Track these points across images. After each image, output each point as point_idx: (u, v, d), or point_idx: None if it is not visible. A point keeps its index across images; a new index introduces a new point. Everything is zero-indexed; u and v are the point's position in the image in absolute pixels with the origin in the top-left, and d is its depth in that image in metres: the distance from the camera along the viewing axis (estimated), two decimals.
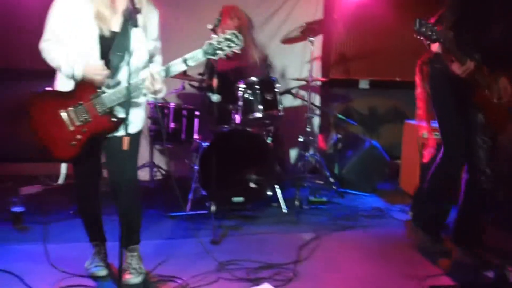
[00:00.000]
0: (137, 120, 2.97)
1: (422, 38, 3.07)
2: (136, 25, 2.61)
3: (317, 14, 5.90)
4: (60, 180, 3.01)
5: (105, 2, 2.77)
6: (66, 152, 2.80)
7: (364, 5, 6.01)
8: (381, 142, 5.67)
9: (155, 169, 5.40)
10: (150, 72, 2.77)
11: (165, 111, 4.91)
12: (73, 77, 2.76)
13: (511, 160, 4.27)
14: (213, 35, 2.83)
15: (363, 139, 5.61)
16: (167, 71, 2.81)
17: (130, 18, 2.61)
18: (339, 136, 5.85)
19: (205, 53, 2.80)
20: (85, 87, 2.77)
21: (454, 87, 3.39)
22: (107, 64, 2.78)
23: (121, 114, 2.84)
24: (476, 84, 3.33)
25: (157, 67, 2.87)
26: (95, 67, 2.73)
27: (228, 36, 2.80)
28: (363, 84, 6.44)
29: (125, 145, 2.62)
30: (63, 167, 2.99)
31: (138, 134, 3.03)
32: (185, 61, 2.80)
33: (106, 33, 2.79)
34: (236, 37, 2.81)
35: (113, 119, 2.82)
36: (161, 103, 4.96)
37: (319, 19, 5.77)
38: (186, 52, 2.83)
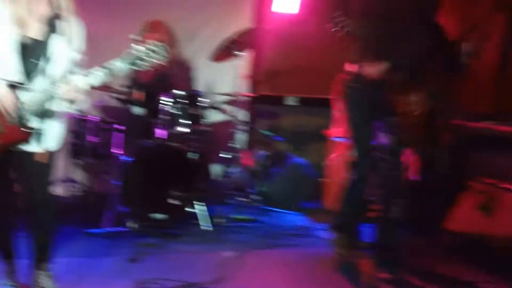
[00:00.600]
0: (53, 134, 2.88)
1: (337, 29, 3.27)
2: (55, 31, 2.58)
3: (245, 27, 6.00)
4: None
5: (23, 6, 2.69)
6: None
7: (294, 21, 6.17)
8: (308, 160, 5.81)
9: (73, 185, 5.29)
10: (68, 81, 2.72)
11: (86, 124, 4.81)
12: None
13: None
14: (137, 45, 2.78)
15: (289, 156, 5.73)
16: (85, 80, 2.75)
17: (51, 25, 2.58)
18: (265, 153, 5.92)
19: (127, 63, 2.74)
20: None
21: (370, 105, 3.56)
22: (25, 72, 2.71)
23: (34, 124, 2.75)
24: (391, 89, 3.48)
25: (76, 77, 2.82)
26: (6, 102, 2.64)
27: (153, 47, 2.75)
28: (291, 101, 6.57)
29: (38, 156, 2.57)
30: None
31: (53, 150, 2.93)
32: (104, 70, 2.75)
33: (26, 40, 2.72)
34: (161, 48, 2.77)
35: (24, 129, 2.73)
36: (82, 116, 4.86)
37: (248, 32, 5.87)
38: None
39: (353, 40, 3.44)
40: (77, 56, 2.93)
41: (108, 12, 5.51)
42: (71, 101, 2.75)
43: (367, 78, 3.48)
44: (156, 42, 2.77)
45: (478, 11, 5.22)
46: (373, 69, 3.41)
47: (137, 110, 4.38)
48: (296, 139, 6.54)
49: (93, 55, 3.30)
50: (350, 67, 3.65)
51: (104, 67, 2.75)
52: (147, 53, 2.74)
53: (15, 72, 2.71)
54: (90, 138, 4.80)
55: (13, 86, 2.68)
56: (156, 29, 5.11)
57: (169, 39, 5.27)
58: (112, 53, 2.94)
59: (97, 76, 2.76)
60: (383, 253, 3.75)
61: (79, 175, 5.44)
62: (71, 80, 2.73)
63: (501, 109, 5.05)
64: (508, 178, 3.87)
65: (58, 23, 2.58)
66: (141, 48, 2.75)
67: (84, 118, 4.85)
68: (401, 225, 3.85)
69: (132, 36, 2.98)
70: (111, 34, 5.27)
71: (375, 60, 3.39)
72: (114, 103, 5.10)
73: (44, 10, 2.69)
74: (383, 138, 3.59)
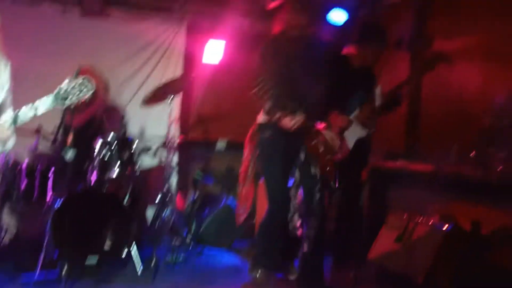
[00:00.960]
0: None
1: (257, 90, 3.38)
2: None
3: (176, 74, 6.11)
4: None
5: None
6: None
7: (219, 69, 6.34)
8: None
9: (3, 230, 5.07)
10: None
11: (17, 168, 4.68)
12: None
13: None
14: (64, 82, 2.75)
15: (219, 197, 5.76)
16: (15, 118, 2.68)
17: None
18: (196, 194, 5.90)
19: (56, 98, 2.70)
20: None
21: (281, 150, 3.67)
22: None
23: None
24: (307, 136, 3.61)
25: (6, 115, 2.76)
26: None
27: (80, 81, 2.74)
28: (221, 144, 6.65)
29: None
30: None
31: None
32: (35, 107, 2.69)
33: None
34: (88, 81, 2.75)
35: None
36: (13, 160, 4.74)
37: (177, 78, 5.96)
38: None
39: (266, 97, 3.55)
40: (8, 99, 2.88)
41: (41, 53, 5.48)
42: (3, 141, 2.70)
43: (280, 128, 3.58)
44: (85, 76, 2.77)
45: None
46: (291, 123, 3.50)
47: (68, 154, 4.30)
48: (227, 181, 6.61)
49: (24, 93, 3.25)
50: (261, 118, 3.77)
51: (34, 105, 2.70)
52: (77, 88, 2.73)
53: None
54: (22, 182, 4.68)
55: None
56: (87, 74, 5.09)
57: (101, 85, 5.26)
58: (44, 92, 2.88)
59: (27, 113, 2.69)
60: (306, 282, 3.82)
61: (9, 221, 5.22)
62: (2, 118, 2.68)
63: (409, 148, 5.35)
64: (419, 211, 4.06)
65: None
66: (71, 83, 2.72)
67: (16, 162, 4.72)
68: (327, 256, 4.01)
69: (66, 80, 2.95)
70: (43, 75, 5.22)
71: (286, 112, 3.49)
72: (44, 147, 5.01)
73: None
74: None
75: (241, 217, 3.97)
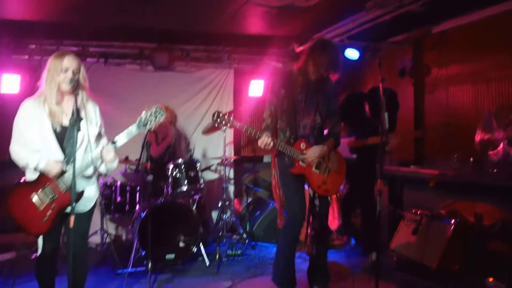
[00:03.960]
0: (90, 196, 2.86)
1: (220, 126, 3.19)
2: (79, 129, 2.55)
3: (228, 108, 6.07)
4: (39, 251, 2.82)
5: (53, 102, 2.71)
6: (40, 228, 2.70)
7: (261, 101, 6.26)
8: None
9: (105, 235, 5.12)
10: (104, 146, 2.72)
11: (113, 188, 4.76)
12: (37, 169, 2.69)
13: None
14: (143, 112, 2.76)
15: (268, 201, 5.64)
16: (115, 142, 2.73)
17: (75, 124, 2.55)
18: (249, 200, 5.83)
19: (139, 126, 2.73)
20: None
21: (290, 174, 3.41)
22: (64, 151, 2.72)
23: (80, 187, 2.76)
24: (293, 158, 3.36)
25: (104, 140, 2.86)
26: (53, 164, 2.67)
27: (154, 110, 2.76)
28: (267, 159, 6.55)
29: (72, 223, 2.47)
30: (40, 239, 2.80)
31: (91, 209, 2.90)
32: (126, 133, 2.74)
33: (58, 128, 2.74)
34: (160, 109, 2.76)
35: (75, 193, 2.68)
36: (110, 182, 4.81)
37: (229, 111, 5.93)
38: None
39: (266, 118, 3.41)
40: (102, 131, 2.92)
41: (124, 100, 5.55)
42: (110, 160, 2.72)
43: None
44: (157, 105, 2.77)
45: None
46: (259, 143, 3.23)
47: (149, 177, 4.30)
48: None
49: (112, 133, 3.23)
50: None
51: (125, 132, 2.74)
52: (153, 116, 2.74)
53: (57, 152, 2.72)
54: (117, 198, 4.74)
55: (58, 161, 2.70)
56: (166, 109, 5.14)
57: (173, 119, 5.28)
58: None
59: (121, 138, 2.73)
60: (317, 270, 3.58)
61: (110, 226, 5.28)
62: (106, 144, 2.74)
63: (419, 156, 5.11)
64: (430, 208, 3.82)
65: (82, 110, 2.61)
66: (148, 112, 2.75)
67: (112, 183, 4.81)
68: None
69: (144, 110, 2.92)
70: (126, 117, 5.22)
71: (257, 135, 3.24)
72: (132, 171, 5.05)
73: (70, 102, 2.73)
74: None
75: (280, 223, 3.78)
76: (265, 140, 3.19)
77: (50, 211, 2.68)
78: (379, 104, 3.08)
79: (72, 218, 2.47)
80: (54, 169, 2.68)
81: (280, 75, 3.64)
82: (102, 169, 2.87)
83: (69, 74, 2.70)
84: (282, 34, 5.41)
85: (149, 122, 2.73)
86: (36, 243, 2.81)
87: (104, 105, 5.28)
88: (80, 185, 2.76)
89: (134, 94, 5.62)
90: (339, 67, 3.36)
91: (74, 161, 2.50)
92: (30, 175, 2.76)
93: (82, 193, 2.75)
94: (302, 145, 3.36)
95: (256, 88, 6.14)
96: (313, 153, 3.35)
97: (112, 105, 5.48)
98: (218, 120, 3.17)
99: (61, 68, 2.70)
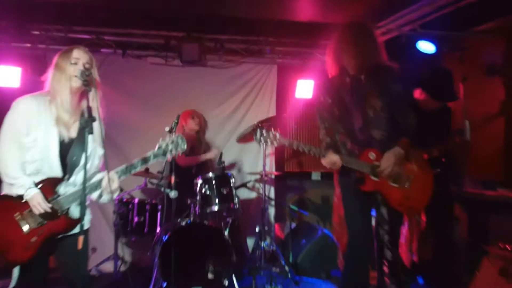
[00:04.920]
0: (87, 217, 2.91)
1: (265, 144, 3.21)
2: (91, 132, 2.60)
3: (270, 113, 6.08)
4: (12, 284, 2.79)
5: (66, 107, 2.74)
6: (20, 256, 2.64)
7: (310, 105, 6.22)
8: None
9: (119, 261, 5.23)
10: (107, 174, 2.72)
11: (130, 206, 4.85)
12: (16, 193, 2.66)
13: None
14: (163, 140, 2.88)
15: (316, 227, 5.57)
16: (122, 171, 2.80)
17: (87, 125, 2.59)
18: (293, 225, 5.78)
19: (156, 155, 2.84)
20: (43, 189, 2.68)
21: (356, 192, 3.39)
22: (65, 167, 2.75)
23: (76, 214, 2.76)
24: (360, 174, 3.32)
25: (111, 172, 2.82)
26: (38, 201, 2.65)
27: (174, 139, 2.86)
28: (316, 176, 6.50)
29: (80, 244, 2.53)
30: (16, 270, 2.79)
31: (87, 231, 2.93)
32: (139, 162, 2.81)
33: (66, 139, 2.77)
34: (182, 139, 2.87)
35: (69, 220, 2.75)
36: (126, 198, 4.91)
37: (271, 116, 5.92)
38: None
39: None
40: (102, 151, 2.93)
41: (147, 100, 5.69)
42: (112, 191, 2.76)
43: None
44: (179, 135, 2.90)
45: None
46: (324, 162, 3.27)
47: (172, 193, 4.36)
48: (322, 211, 6.43)
49: (133, 145, 3.32)
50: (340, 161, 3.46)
51: (137, 160, 2.82)
52: (172, 145, 2.86)
53: (56, 167, 2.75)
54: (134, 218, 4.83)
55: (54, 181, 2.73)
56: (193, 115, 5.35)
57: (204, 125, 5.35)
58: (151, 143, 2.99)
59: (136, 166, 2.82)
60: None
61: (125, 252, 5.40)
62: (110, 172, 2.76)
63: (509, 176, 4.90)
64: None
65: (92, 124, 2.60)
66: (167, 141, 2.87)
67: (129, 200, 4.90)
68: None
69: (167, 128, 3.03)
70: (153, 127, 5.35)
71: (320, 153, 3.27)
72: (152, 186, 5.13)
73: (80, 111, 2.80)
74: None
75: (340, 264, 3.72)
76: (333, 159, 3.22)
77: (35, 238, 2.66)
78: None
79: (80, 239, 2.52)
80: (36, 208, 2.65)
81: (320, 81, 3.64)
82: (94, 196, 2.87)
83: (80, 66, 2.74)
84: (338, 22, 5.35)
85: (168, 153, 2.85)
86: (6, 274, 2.75)
87: (121, 106, 5.53)
88: (75, 212, 2.77)
89: (156, 93, 5.76)
90: (378, 49, 3.34)
91: (85, 167, 2.53)
92: (9, 189, 2.72)
93: (78, 220, 2.73)
94: (371, 155, 3.31)
95: (304, 89, 6.12)
96: (387, 162, 3.26)
97: (130, 106, 5.69)
98: (262, 138, 3.21)
99: (70, 60, 2.75)
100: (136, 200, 4.89)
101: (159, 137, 2.93)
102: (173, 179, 4.46)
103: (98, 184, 2.76)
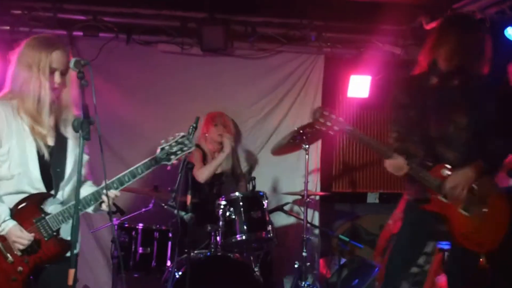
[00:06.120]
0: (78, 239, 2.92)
1: (320, 127, 3.36)
2: (88, 138, 2.63)
3: None
4: None
5: (39, 114, 2.81)
6: None
7: (370, 105, 6.20)
8: None
9: None
10: (102, 187, 2.79)
11: (133, 233, 4.84)
12: None
13: None
14: (164, 141, 2.94)
15: (372, 264, 5.52)
16: (118, 182, 2.85)
17: (82, 129, 2.62)
18: (343, 261, 5.74)
19: (158, 159, 2.88)
20: (26, 210, 2.75)
21: (418, 218, 3.50)
22: (49, 182, 2.82)
23: (67, 236, 2.79)
24: (425, 187, 3.40)
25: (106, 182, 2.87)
26: (17, 235, 2.70)
27: (180, 139, 2.92)
28: (372, 198, 6.45)
29: (71, 279, 2.54)
30: None
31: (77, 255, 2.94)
32: (138, 169, 2.87)
33: (43, 148, 2.83)
34: (187, 139, 2.93)
35: (61, 242, 2.80)
36: (128, 223, 4.92)
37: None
38: None
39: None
40: (87, 158, 3.01)
41: (163, 94, 5.80)
42: (107, 207, 2.81)
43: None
44: (184, 134, 2.97)
45: None
46: (386, 164, 3.41)
47: (186, 216, 4.36)
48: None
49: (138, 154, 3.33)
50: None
51: (135, 168, 2.88)
52: (178, 147, 2.92)
53: (38, 182, 2.81)
54: (139, 249, 4.82)
55: (39, 197, 2.79)
56: (217, 121, 5.40)
57: (232, 132, 5.45)
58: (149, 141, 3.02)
59: (128, 176, 2.87)
60: None
61: None
62: (104, 185, 2.80)
63: None
64: None
65: (89, 127, 2.62)
66: (171, 142, 2.93)
67: (132, 226, 4.89)
68: None
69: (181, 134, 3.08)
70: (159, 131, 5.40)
71: (384, 153, 3.41)
72: (161, 208, 5.14)
73: (53, 117, 2.87)
74: None
75: None
76: (399, 163, 3.33)
77: (21, 267, 2.72)
78: None
79: (71, 273, 2.53)
80: (17, 244, 2.70)
81: (402, 79, 3.80)
82: (89, 210, 2.93)
83: (57, 79, 2.80)
84: (403, 1, 5.33)
85: (173, 155, 2.91)
86: None
87: (125, 105, 5.57)
88: (67, 233, 2.79)
89: (169, 90, 5.82)
90: (484, 55, 3.41)
91: (79, 182, 2.56)
92: None
93: (70, 242, 2.73)
94: (444, 172, 3.38)
95: (359, 86, 6.11)
96: (453, 181, 3.34)
97: (137, 105, 5.75)
98: (322, 119, 3.35)
99: (48, 67, 2.78)
100: (141, 226, 4.89)
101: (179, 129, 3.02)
102: (189, 198, 4.50)
103: (92, 198, 2.83)
